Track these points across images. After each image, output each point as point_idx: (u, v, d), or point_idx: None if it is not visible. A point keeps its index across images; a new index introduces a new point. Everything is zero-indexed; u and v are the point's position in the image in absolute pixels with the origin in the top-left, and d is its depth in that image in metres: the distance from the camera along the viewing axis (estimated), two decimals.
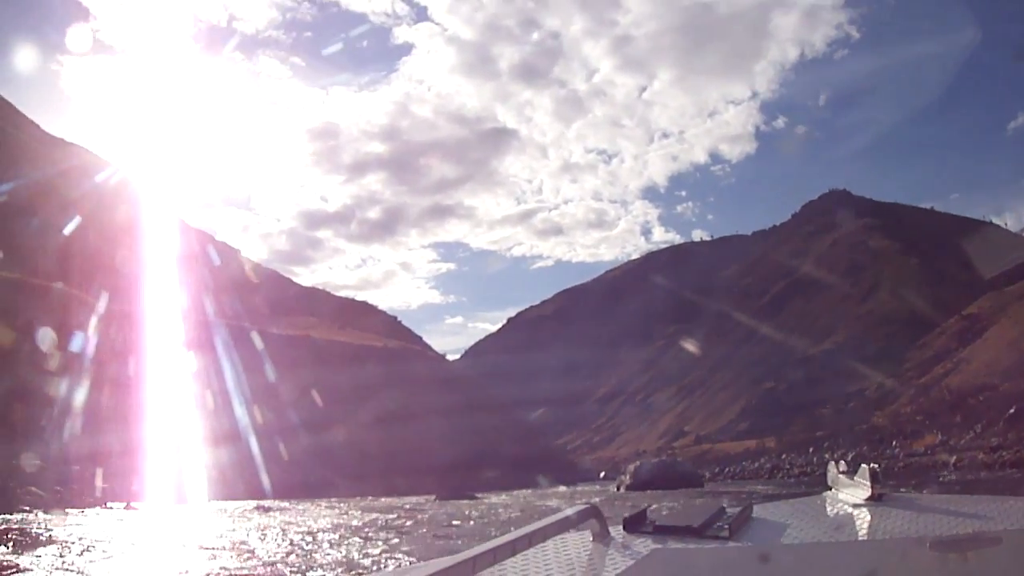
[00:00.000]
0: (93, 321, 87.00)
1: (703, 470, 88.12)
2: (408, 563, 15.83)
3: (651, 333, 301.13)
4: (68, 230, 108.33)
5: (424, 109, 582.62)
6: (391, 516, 35.47)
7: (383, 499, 61.07)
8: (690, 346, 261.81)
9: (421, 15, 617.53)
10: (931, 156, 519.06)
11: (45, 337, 74.94)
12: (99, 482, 56.09)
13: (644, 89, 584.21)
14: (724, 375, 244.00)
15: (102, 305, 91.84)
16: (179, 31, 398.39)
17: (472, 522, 30.26)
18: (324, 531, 26.11)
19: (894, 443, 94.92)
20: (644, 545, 2.52)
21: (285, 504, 49.57)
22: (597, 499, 48.62)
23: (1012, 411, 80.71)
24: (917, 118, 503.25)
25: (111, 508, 43.20)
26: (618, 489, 67.20)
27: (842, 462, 3.79)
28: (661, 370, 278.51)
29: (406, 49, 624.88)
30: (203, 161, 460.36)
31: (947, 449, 78.86)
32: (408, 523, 30.44)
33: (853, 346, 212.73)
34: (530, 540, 2.16)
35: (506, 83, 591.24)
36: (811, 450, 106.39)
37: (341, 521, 31.99)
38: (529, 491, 68.08)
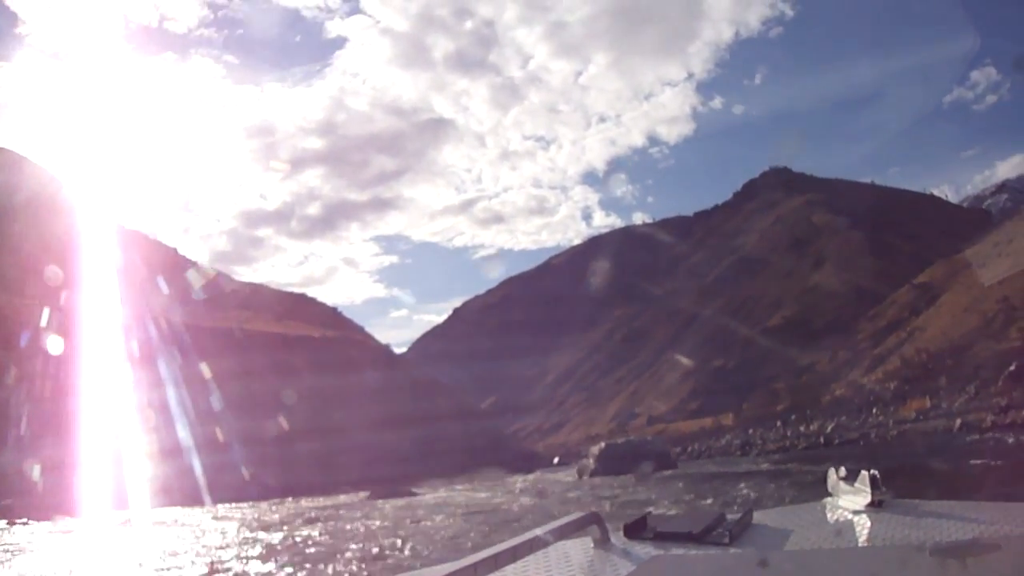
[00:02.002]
0: (31, 328, 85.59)
1: None
2: None
3: (597, 317, 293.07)
4: (10, 235, 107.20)
5: (360, 102, 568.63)
6: (300, 525, 30.02)
7: (315, 499, 54.61)
8: (636, 328, 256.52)
9: (354, 8, 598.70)
10: (869, 131, 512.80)
11: None
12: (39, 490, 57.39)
13: (580, 74, 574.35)
14: (672, 356, 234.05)
15: (40, 312, 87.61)
16: (110, 33, 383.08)
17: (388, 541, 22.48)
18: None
19: (874, 410, 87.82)
20: (645, 551, 2.53)
21: (177, 515, 40.89)
22: (556, 490, 41.54)
23: (1012, 369, 72.85)
24: (853, 93, 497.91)
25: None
26: (580, 476, 57.20)
27: (842, 468, 3.40)
28: (608, 354, 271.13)
29: (339, 43, 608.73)
30: (140, 164, 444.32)
31: (943, 413, 71.85)
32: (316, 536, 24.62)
33: (801, 321, 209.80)
34: (531, 546, 2.22)
35: (441, 73, 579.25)
36: (778, 424, 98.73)
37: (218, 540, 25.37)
38: (478, 483, 58.68)
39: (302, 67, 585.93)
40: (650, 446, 61.56)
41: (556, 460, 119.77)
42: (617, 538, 2.60)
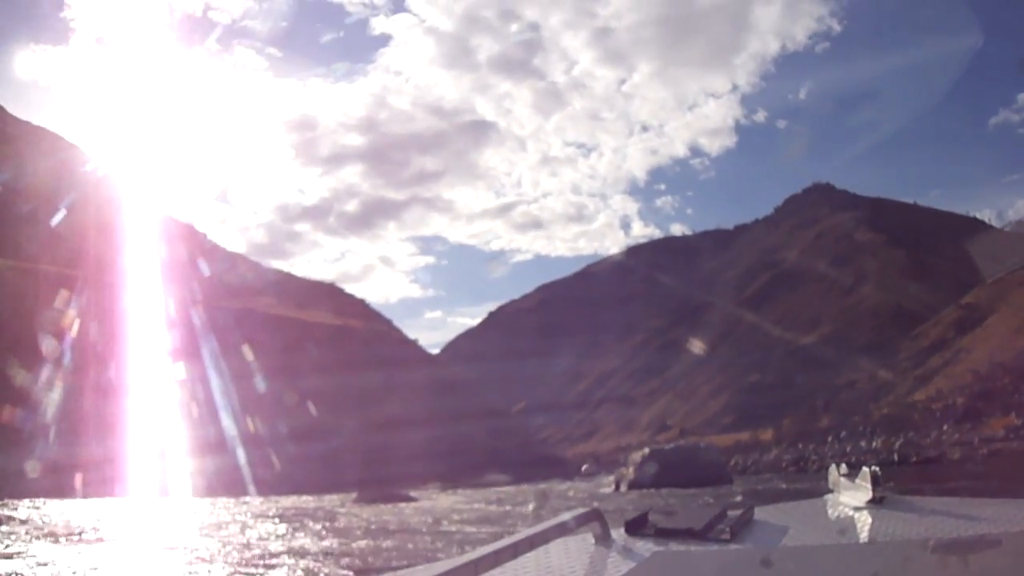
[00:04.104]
0: (80, 312, 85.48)
1: None
2: None
3: (632, 327, 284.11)
4: (56, 221, 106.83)
5: (402, 101, 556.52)
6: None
7: (298, 497, 49.24)
8: (671, 340, 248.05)
9: (399, 6, 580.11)
10: (911, 152, 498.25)
11: (34, 329, 76.07)
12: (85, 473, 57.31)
13: (624, 82, 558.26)
14: (707, 369, 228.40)
15: (88, 295, 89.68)
16: (155, 21, 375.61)
17: None
18: None
19: (944, 427, 79.16)
20: (646, 548, 2.52)
21: None
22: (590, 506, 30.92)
23: None
24: (897, 114, 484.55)
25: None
26: (617, 488, 46.22)
27: (843, 465, 3.46)
28: (642, 364, 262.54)
29: (383, 40, 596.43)
30: (180, 153, 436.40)
31: None
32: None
33: (840, 339, 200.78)
34: (532, 543, 2.19)
35: (485, 75, 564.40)
36: (830, 439, 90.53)
37: None
38: (494, 490, 48.63)
39: (345, 63, 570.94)
40: (702, 455, 50.28)
41: (585, 468, 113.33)
42: (618, 535, 2.57)
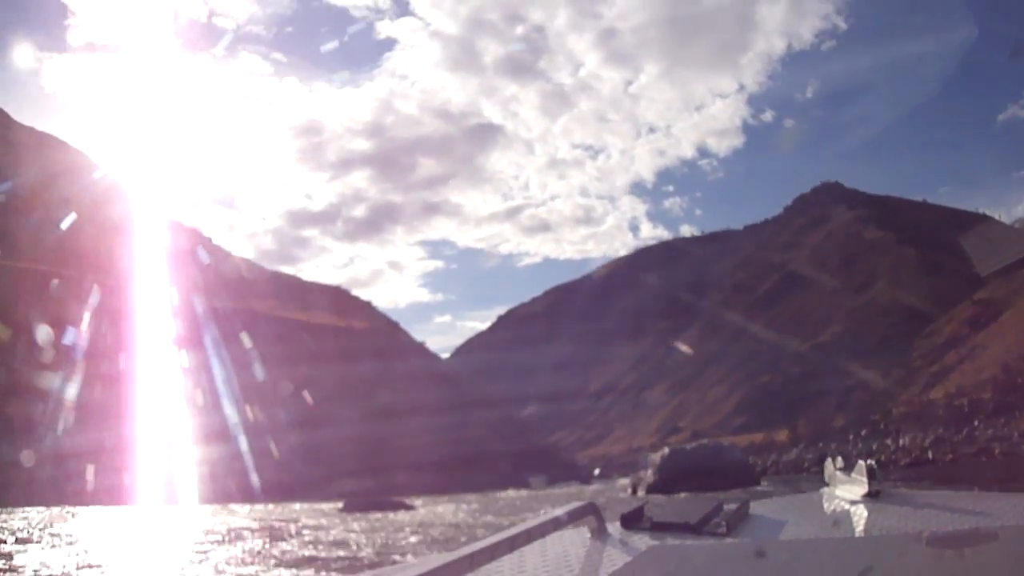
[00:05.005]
0: (86, 317, 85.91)
1: None
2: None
3: (642, 330, 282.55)
4: (63, 227, 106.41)
5: (408, 105, 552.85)
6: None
7: (285, 505, 48.42)
8: (682, 342, 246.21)
9: (404, 9, 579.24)
10: (920, 149, 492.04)
11: (41, 332, 75.49)
12: (91, 477, 58.89)
13: (630, 83, 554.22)
14: (717, 371, 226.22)
15: (95, 301, 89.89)
16: (159, 27, 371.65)
17: None
18: None
19: (976, 423, 76.44)
20: (642, 541, 2.48)
21: None
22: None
23: None
24: (905, 111, 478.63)
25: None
26: (634, 492, 42.08)
27: (839, 459, 3.24)
28: (653, 367, 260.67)
29: (389, 44, 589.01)
30: (187, 159, 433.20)
31: None
32: None
33: (851, 339, 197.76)
34: (528, 536, 2.15)
35: (491, 78, 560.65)
36: (851, 438, 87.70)
37: None
38: (509, 496, 44.68)
39: (351, 68, 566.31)
40: (727, 454, 45.99)
41: (597, 471, 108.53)
42: (614, 529, 2.52)
